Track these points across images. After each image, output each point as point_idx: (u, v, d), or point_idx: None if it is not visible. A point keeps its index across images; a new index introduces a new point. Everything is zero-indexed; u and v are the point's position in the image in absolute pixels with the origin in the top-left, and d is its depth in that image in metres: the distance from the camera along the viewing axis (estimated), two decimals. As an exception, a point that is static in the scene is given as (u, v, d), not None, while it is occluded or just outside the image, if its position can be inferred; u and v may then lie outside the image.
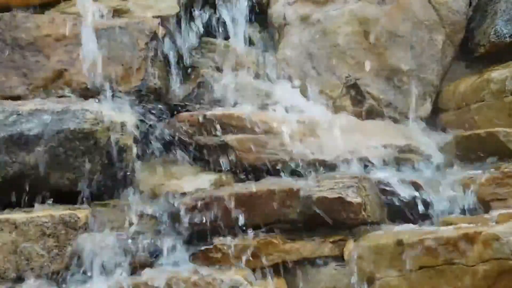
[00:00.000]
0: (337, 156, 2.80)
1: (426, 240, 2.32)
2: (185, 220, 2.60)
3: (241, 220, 2.59)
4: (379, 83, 3.12)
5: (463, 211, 2.62)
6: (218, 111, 2.92)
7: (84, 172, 2.68)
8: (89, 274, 2.54)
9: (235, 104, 2.99)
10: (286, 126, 2.86)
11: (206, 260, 2.55)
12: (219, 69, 3.10)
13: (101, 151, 2.68)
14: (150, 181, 2.76)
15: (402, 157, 2.87)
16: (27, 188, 2.65)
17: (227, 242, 2.56)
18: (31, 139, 2.64)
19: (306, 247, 2.56)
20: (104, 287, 2.51)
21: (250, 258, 2.54)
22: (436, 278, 2.28)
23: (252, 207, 2.58)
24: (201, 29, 3.14)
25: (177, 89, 3.04)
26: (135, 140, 2.77)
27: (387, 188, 2.67)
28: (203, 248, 2.57)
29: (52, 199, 2.68)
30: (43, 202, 2.67)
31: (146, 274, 2.52)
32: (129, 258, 2.55)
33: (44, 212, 2.59)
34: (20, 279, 2.53)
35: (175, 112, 2.93)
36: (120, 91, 2.86)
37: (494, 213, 2.51)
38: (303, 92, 3.11)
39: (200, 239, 2.60)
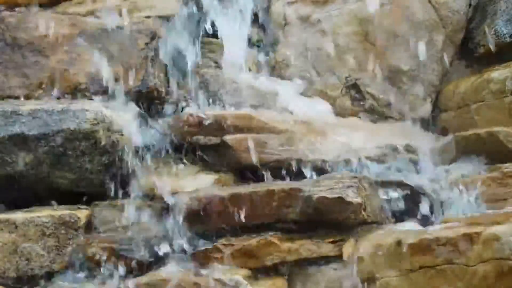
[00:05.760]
0: (337, 156, 2.81)
1: (426, 240, 2.32)
2: (185, 220, 2.61)
3: (241, 220, 2.59)
4: (379, 83, 3.12)
5: (463, 211, 2.62)
6: (218, 111, 2.92)
7: (84, 172, 2.68)
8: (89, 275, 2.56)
9: (235, 104, 2.99)
10: (286, 126, 2.86)
11: (206, 260, 2.55)
12: (219, 69, 3.10)
13: (101, 151, 2.68)
14: (150, 181, 2.76)
15: (401, 157, 2.87)
16: (27, 188, 2.66)
17: (227, 242, 2.57)
18: (31, 139, 2.64)
19: (306, 247, 2.56)
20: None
21: (250, 258, 2.54)
22: (436, 278, 2.28)
23: (252, 207, 2.58)
24: (201, 29, 3.14)
25: (177, 89, 3.04)
26: (135, 140, 2.77)
27: (387, 188, 2.68)
28: (203, 248, 2.57)
29: (52, 199, 2.68)
30: (43, 202, 2.67)
31: (146, 274, 2.52)
32: (129, 258, 2.56)
33: (44, 212, 2.59)
34: (20, 279, 2.53)
35: (175, 112, 2.93)
36: (120, 91, 2.86)
37: (494, 213, 2.51)
38: (303, 92, 3.11)
39: (200, 239, 2.60)
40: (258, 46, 3.21)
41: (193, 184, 2.74)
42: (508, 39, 3.05)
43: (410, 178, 2.74)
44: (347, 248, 2.54)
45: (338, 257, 2.55)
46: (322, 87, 3.12)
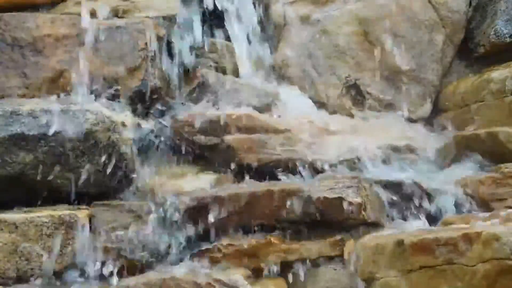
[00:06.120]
0: (337, 156, 2.80)
1: (426, 240, 2.32)
2: (185, 220, 2.61)
3: (241, 220, 2.59)
4: (379, 83, 3.12)
5: (463, 211, 2.62)
6: (218, 111, 2.92)
7: (84, 172, 2.68)
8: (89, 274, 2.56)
9: (235, 104, 2.99)
10: (286, 126, 2.86)
11: (206, 260, 2.55)
12: (219, 69, 3.10)
13: (101, 151, 2.68)
14: (150, 181, 2.76)
15: (402, 157, 2.87)
16: (27, 188, 2.65)
17: (227, 242, 2.56)
18: (31, 139, 2.64)
19: (306, 247, 2.56)
20: None
21: (250, 258, 2.54)
22: (436, 278, 2.28)
23: (252, 207, 2.58)
24: (201, 29, 3.14)
25: (177, 89, 3.04)
26: (135, 140, 2.78)
27: (387, 188, 2.68)
28: (203, 248, 2.57)
29: (52, 199, 2.68)
30: (43, 202, 2.67)
31: (146, 274, 2.52)
32: (129, 258, 2.56)
33: (44, 212, 2.59)
34: (20, 279, 2.53)
35: (175, 112, 2.93)
36: (120, 91, 2.86)
37: (494, 213, 2.51)
38: (303, 92, 3.11)
39: (200, 239, 2.60)
40: (258, 46, 3.21)
41: (193, 184, 2.74)
42: (508, 39, 3.05)
43: (410, 178, 2.73)
44: (347, 248, 2.54)
45: (338, 257, 2.55)
46: (322, 87, 3.12)
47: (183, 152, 2.86)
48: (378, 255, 2.39)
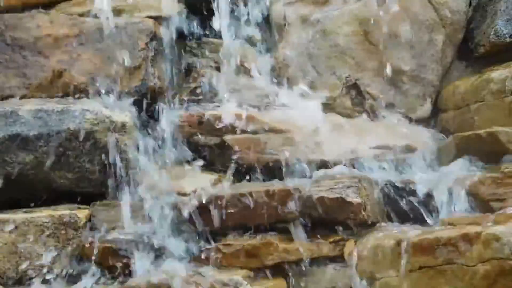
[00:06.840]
0: (337, 156, 2.80)
1: (426, 240, 2.32)
2: (185, 220, 2.61)
3: (241, 220, 2.59)
4: (379, 83, 3.12)
5: (463, 211, 2.62)
6: (218, 111, 2.92)
7: (84, 172, 2.68)
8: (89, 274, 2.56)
9: (235, 104, 2.99)
10: (286, 126, 2.86)
11: (206, 260, 2.55)
12: (219, 69, 3.10)
13: (101, 151, 2.68)
14: (150, 181, 2.76)
15: (401, 157, 2.87)
16: (27, 188, 2.66)
17: (227, 242, 2.57)
18: (31, 139, 2.64)
19: (306, 247, 2.56)
20: None
21: (250, 258, 2.54)
22: (436, 278, 2.28)
23: (252, 207, 2.58)
24: (201, 29, 3.14)
25: (177, 89, 3.04)
26: (135, 140, 2.77)
27: (387, 188, 2.68)
28: (203, 248, 2.57)
29: (52, 199, 2.68)
30: (43, 202, 2.67)
31: (146, 274, 2.52)
32: (129, 258, 2.56)
33: (44, 212, 2.60)
34: (20, 279, 2.53)
35: (175, 112, 2.93)
36: (120, 91, 2.86)
37: (494, 213, 2.51)
38: (303, 92, 3.11)
39: (200, 239, 2.60)
40: (258, 46, 3.21)
41: (193, 184, 2.74)
42: (508, 39, 3.05)
43: (409, 178, 2.74)
44: (347, 248, 2.54)
45: (338, 257, 2.56)
46: (322, 87, 3.12)
47: (183, 152, 2.86)
48: (378, 255, 2.39)
